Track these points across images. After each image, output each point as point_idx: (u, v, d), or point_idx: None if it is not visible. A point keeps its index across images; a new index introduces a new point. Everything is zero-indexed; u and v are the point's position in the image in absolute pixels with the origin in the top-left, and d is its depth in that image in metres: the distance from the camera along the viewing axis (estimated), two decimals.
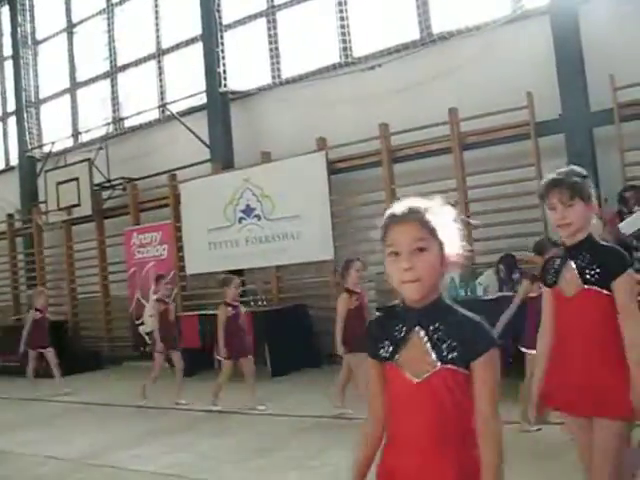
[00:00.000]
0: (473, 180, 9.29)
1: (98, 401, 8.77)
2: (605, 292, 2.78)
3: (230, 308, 7.61)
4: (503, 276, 8.04)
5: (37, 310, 10.10)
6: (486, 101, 8.98)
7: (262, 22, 12.07)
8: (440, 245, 1.85)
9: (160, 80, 13.65)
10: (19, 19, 15.92)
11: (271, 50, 11.84)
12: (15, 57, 15.90)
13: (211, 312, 10.19)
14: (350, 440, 5.87)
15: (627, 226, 6.31)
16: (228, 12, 12.39)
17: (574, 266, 2.86)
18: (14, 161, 16.02)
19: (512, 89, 8.78)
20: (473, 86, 9.31)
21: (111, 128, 14.16)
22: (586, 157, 8.54)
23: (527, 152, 8.76)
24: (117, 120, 14.25)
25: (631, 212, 7.13)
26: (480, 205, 9.23)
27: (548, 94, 8.66)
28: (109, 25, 14.39)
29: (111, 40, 14.41)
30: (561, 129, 8.74)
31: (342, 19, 10.98)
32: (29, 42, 15.99)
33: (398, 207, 1.91)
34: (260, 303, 10.71)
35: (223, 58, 12.19)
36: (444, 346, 1.85)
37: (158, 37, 13.64)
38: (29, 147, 15.46)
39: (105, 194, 13.66)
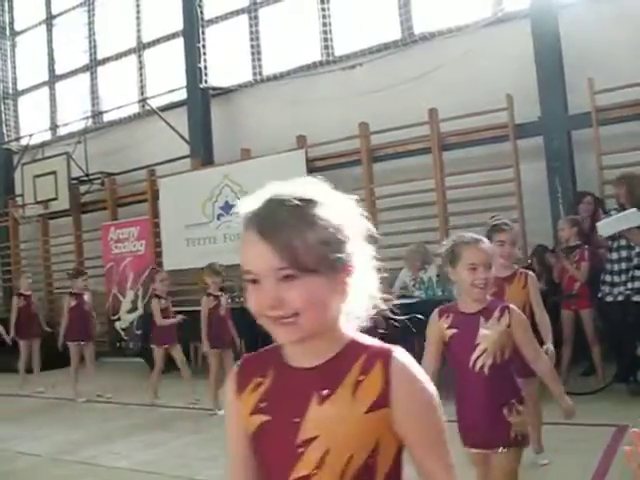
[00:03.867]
0: (452, 180, 9.32)
1: (73, 397, 8.69)
2: None
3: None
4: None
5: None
6: (466, 102, 9.02)
7: (244, 19, 12.03)
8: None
9: (140, 75, 13.56)
10: None
11: (252, 47, 11.82)
12: None
13: (189, 309, 10.15)
14: None
15: (604, 228, 6.35)
16: (210, 8, 12.34)
17: None
18: None
19: (492, 91, 8.83)
20: (453, 87, 9.34)
21: (90, 122, 14.07)
22: (564, 159, 8.63)
23: (506, 154, 8.82)
24: (96, 114, 14.14)
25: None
26: (458, 206, 9.27)
27: (527, 97, 8.72)
28: (89, 18, 14.26)
29: (91, 33, 14.28)
30: (540, 131, 8.81)
31: (324, 17, 10.98)
32: (7, 33, 15.81)
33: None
34: (238, 300, 10.68)
35: (204, 54, 12.13)
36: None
37: (139, 31, 13.55)
38: (6, 139, 15.29)
39: (83, 188, 13.54)
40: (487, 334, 2.85)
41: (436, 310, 3.05)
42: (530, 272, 4.24)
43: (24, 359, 9.67)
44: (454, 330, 2.93)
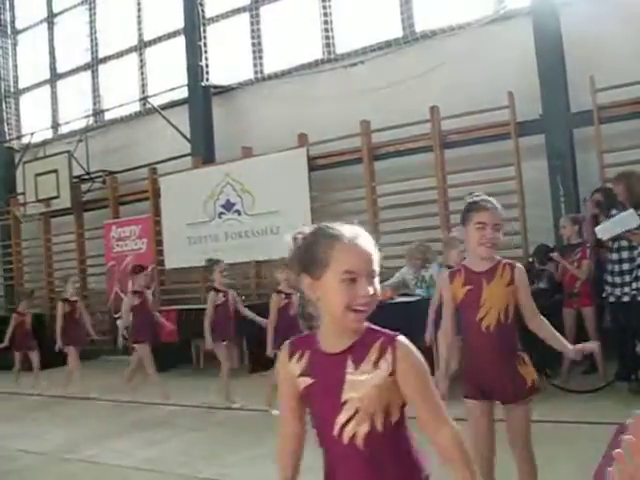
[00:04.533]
0: (453, 179, 9.31)
1: (74, 395, 8.70)
2: None
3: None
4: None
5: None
6: (467, 100, 9.01)
7: (245, 16, 12.03)
8: None
9: (141, 73, 13.56)
10: None
11: (254, 45, 11.81)
12: None
13: (190, 307, 10.18)
14: None
15: (603, 231, 6.34)
16: (211, 6, 12.33)
17: None
18: None
19: (493, 89, 8.83)
20: (455, 85, 9.33)
21: (91, 120, 14.07)
22: (566, 158, 8.63)
23: (507, 152, 8.81)
24: (97, 112, 14.14)
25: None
26: (460, 204, 9.22)
27: (529, 94, 8.71)
28: (91, 16, 14.26)
29: (92, 31, 14.28)
30: (542, 129, 8.80)
31: (325, 15, 10.97)
32: (8, 31, 15.81)
33: None
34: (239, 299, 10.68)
35: (205, 52, 12.13)
36: None
37: (140, 29, 13.54)
38: (7, 138, 15.29)
39: (84, 187, 13.55)
40: (356, 386, 1.73)
41: (286, 344, 1.92)
42: (517, 264, 3.23)
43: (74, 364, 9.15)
44: (308, 379, 1.82)
